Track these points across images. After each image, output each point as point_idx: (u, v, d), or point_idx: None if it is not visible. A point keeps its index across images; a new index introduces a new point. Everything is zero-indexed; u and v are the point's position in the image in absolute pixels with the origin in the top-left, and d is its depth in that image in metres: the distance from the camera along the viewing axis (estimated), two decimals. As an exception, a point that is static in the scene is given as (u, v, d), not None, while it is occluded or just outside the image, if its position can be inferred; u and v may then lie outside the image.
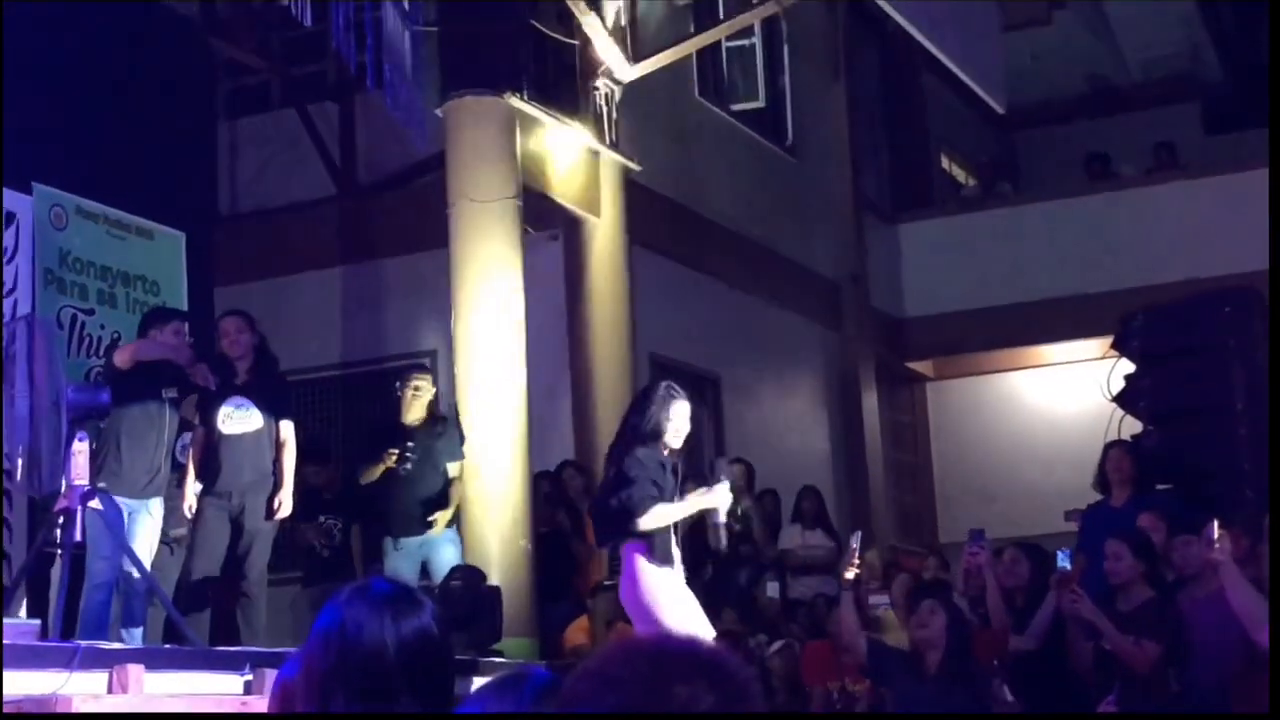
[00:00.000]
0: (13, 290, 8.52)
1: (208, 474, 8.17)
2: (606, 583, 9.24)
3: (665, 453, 6.26)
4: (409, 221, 10.47)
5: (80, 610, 7.03)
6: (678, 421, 6.31)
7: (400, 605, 2.38)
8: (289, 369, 8.95)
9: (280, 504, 8.03)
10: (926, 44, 11.94)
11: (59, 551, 6.63)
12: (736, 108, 13.01)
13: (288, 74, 11.32)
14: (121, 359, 7.91)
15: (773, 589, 9.78)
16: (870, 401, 14.13)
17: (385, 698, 2.30)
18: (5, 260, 8.51)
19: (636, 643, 1.79)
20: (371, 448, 8.80)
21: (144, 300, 9.12)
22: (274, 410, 8.07)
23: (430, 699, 2.33)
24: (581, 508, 9.66)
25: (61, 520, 6.61)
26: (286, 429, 8.10)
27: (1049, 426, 14.55)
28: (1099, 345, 11.39)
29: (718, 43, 12.15)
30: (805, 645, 8.80)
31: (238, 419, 8.14)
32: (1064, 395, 14.51)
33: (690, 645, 1.76)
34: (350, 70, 9.75)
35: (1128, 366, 9.49)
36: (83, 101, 8.88)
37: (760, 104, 13.12)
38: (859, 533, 7.67)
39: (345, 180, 11.13)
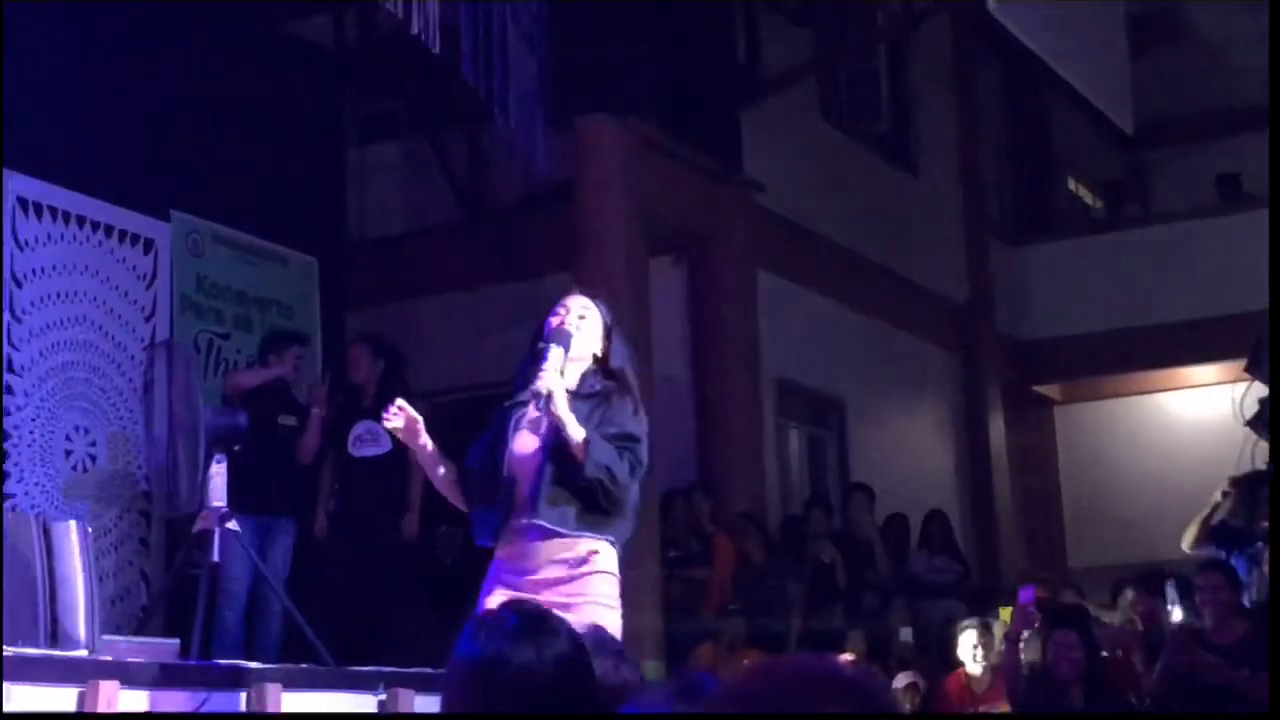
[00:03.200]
0: (151, 316, 8.72)
1: (338, 496, 8.31)
2: (731, 607, 9.25)
3: None
4: (535, 246, 10.55)
5: (216, 630, 7.16)
6: None
7: (541, 634, 2.39)
8: (418, 392, 9.06)
9: (410, 525, 8.15)
10: (1051, 63, 11.82)
11: (198, 572, 6.77)
12: (859, 129, 12.97)
13: (416, 101, 11.47)
14: (230, 387, 8.11)
15: (906, 633, 9.62)
16: (997, 425, 13.98)
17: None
18: (144, 286, 8.72)
19: (778, 665, 1.81)
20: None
21: (278, 324, 9.30)
22: (403, 433, 8.17)
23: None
24: (709, 531, 9.68)
25: (199, 541, 6.75)
26: (414, 453, 8.20)
27: (1180, 450, 14.28)
28: (1231, 368, 11.19)
29: (839, 64, 12.13)
30: (938, 678, 8.66)
31: (367, 442, 8.27)
32: (1196, 418, 14.25)
33: (833, 667, 1.77)
34: (477, 97, 9.86)
35: (1261, 390, 9.31)
36: (217, 130, 9.07)
37: (883, 126, 13.07)
38: (1030, 588, 7.37)
39: (473, 205, 11.25)
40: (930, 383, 13.57)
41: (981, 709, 8.06)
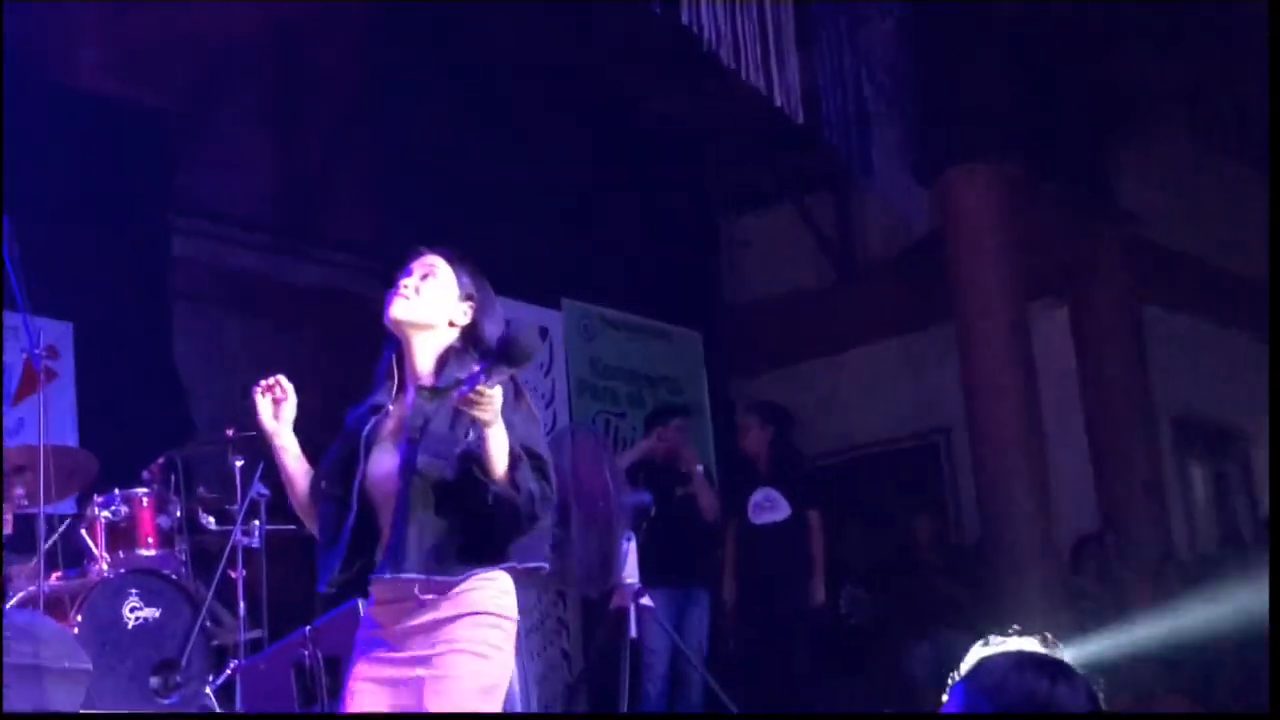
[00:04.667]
0: (551, 401, 9.09)
1: (741, 565, 8.45)
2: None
3: None
4: (911, 300, 10.53)
5: (640, 704, 7.36)
6: None
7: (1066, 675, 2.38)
8: (809, 454, 9.17)
9: (816, 589, 8.21)
10: None
11: (620, 648, 6.99)
12: (1233, 149, 12.49)
13: (780, 168, 11.63)
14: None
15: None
16: None
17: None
18: (543, 374, 9.11)
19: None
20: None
21: (669, 400, 9.55)
22: (800, 499, 8.28)
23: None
24: (1121, 575, 9.43)
25: (616, 618, 6.97)
26: (814, 517, 8.29)
27: None
28: None
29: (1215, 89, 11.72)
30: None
31: (766, 509, 8.39)
32: None
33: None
34: (841, 159, 9.92)
35: None
36: (600, 217, 9.40)
37: (1259, 144, 12.56)
38: None
39: (844, 265, 11.31)
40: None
41: None
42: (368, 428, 3.55)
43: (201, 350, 8.22)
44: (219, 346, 8.40)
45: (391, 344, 3.61)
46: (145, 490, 6.41)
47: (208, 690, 6.12)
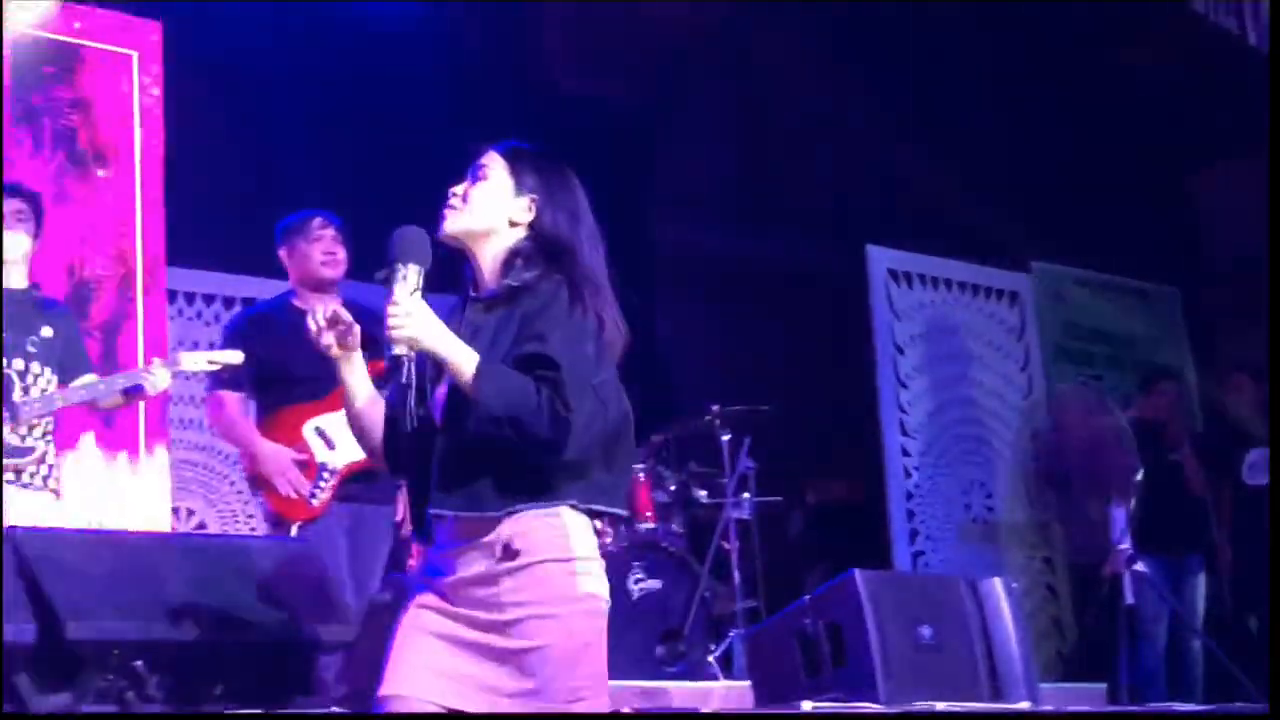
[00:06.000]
0: (1025, 366, 8.99)
1: (1235, 528, 8.13)
2: None
3: None
4: None
5: (1138, 672, 7.19)
6: None
7: None
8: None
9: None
10: None
11: (1116, 615, 6.85)
12: None
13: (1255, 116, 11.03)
14: None
15: None
16: None
17: None
18: (1015, 339, 9.01)
19: None
20: None
21: (1146, 360, 9.26)
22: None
23: None
24: None
25: (1111, 585, 6.84)
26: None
27: None
28: None
29: None
30: None
31: (1261, 470, 8.04)
32: None
33: None
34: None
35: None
36: (1066, 176, 9.18)
37: None
38: None
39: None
40: None
41: None
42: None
43: (681, 332, 8.50)
44: (696, 327, 8.65)
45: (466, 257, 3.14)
46: (642, 467, 6.68)
47: (710, 659, 6.34)
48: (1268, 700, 5.07)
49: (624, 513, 3.09)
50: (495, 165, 3.11)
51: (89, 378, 5.05)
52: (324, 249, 5.35)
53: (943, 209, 8.71)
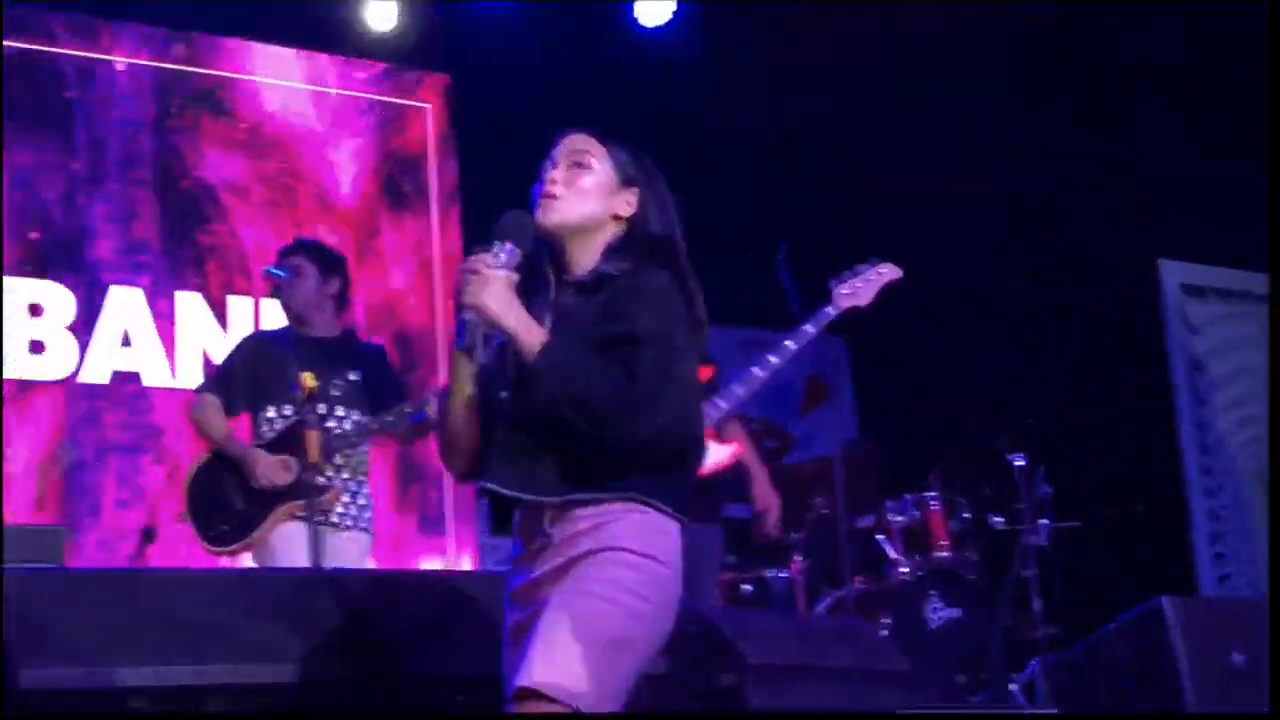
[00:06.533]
0: None
1: None
2: None
3: None
4: None
5: None
6: None
7: None
8: None
9: None
10: None
11: None
12: None
13: None
14: None
15: None
16: None
17: None
18: None
19: None
20: None
21: None
22: None
23: None
24: None
25: None
26: None
27: None
28: None
29: None
30: None
31: None
32: None
33: None
34: None
35: None
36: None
37: None
38: None
39: None
40: None
41: None
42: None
43: (942, 358, 8.40)
44: (986, 353, 8.52)
45: (542, 245, 2.94)
46: (934, 494, 6.63)
47: (1012, 687, 6.24)
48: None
49: (684, 519, 2.85)
50: (596, 153, 2.97)
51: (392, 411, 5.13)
52: None
53: (1233, 220, 8.44)
